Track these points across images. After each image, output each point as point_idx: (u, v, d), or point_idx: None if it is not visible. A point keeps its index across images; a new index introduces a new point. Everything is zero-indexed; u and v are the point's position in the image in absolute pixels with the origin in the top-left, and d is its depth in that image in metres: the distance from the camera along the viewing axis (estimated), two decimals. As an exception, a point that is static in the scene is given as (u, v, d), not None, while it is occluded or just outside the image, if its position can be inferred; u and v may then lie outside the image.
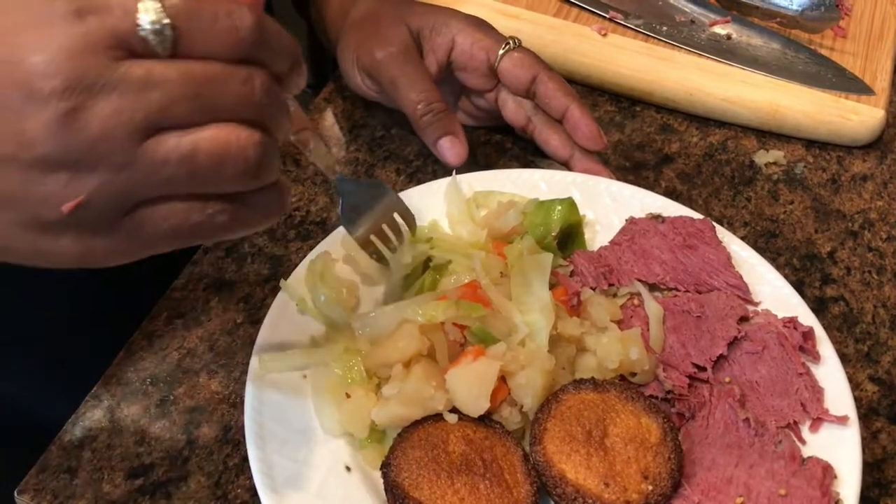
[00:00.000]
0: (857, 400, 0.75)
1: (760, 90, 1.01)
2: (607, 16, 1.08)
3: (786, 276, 0.84)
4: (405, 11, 0.93)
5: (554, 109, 0.90)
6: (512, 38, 0.92)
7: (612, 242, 0.85)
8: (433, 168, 0.99)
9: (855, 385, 0.83)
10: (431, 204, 0.87)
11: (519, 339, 0.71)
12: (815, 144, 1.04)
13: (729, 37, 1.05)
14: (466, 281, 0.75)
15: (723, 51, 1.04)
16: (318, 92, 1.10)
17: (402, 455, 0.68)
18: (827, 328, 0.80)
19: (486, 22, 0.95)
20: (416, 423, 0.70)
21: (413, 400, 0.69)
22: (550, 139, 0.93)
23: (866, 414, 0.82)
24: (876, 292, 0.91)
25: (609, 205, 0.88)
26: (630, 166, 1.01)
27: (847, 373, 0.76)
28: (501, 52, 0.90)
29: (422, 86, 0.89)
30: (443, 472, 0.66)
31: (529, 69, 0.89)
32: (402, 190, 0.88)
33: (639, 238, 0.83)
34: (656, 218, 0.85)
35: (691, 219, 0.85)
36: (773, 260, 0.90)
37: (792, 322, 0.77)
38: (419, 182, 0.95)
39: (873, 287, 0.92)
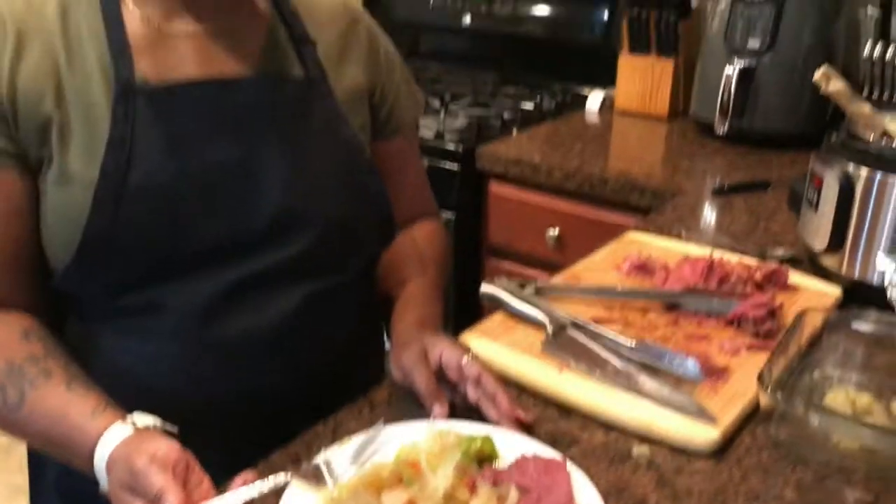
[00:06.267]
0: None
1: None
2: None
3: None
4: (420, 337, 1.58)
5: (489, 394, 1.49)
6: (472, 353, 1.55)
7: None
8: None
9: None
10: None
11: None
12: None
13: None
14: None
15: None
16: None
17: None
18: None
19: (460, 342, 1.62)
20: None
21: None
22: (489, 410, 1.51)
23: None
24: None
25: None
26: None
27: None
28: (465, 358, 1.52)
29: (426, 375, 1.51)
30: None
31: (477, 368, 1.50)
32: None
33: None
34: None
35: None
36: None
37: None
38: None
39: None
